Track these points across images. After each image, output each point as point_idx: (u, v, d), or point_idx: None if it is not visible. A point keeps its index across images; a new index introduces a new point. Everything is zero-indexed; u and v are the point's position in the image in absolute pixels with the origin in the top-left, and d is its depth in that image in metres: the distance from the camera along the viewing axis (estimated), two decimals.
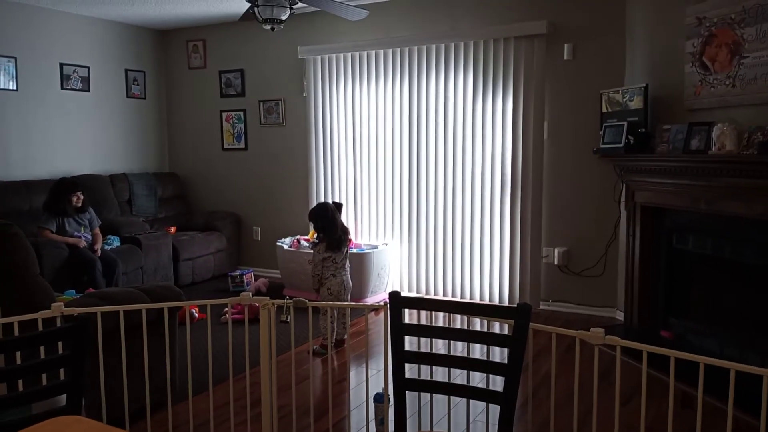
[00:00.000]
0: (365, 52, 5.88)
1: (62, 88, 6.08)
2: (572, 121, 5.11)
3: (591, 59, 5.00)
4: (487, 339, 2.27)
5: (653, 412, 3.24)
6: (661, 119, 4.32)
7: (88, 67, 6.30)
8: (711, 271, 4.18)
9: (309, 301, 2.59)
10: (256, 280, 6.04)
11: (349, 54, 5.97)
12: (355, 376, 3.84)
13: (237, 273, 6.00)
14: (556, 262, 5.26)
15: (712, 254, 4.07)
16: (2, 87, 5.54)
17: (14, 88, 5.65)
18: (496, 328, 4.08)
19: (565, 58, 5.07)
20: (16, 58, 5.63)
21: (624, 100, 4.53)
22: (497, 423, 1.93)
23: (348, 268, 4.47)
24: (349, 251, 5.36)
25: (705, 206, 3.90)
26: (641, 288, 4.56)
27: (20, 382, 2.06)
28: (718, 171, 3.70)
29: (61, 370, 1.83)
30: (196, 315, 4.74)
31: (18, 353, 2.10)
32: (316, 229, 4.46)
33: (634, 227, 4.62)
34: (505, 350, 1.90)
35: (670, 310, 4.42)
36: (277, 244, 5.92)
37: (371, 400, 3.05)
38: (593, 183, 5.06)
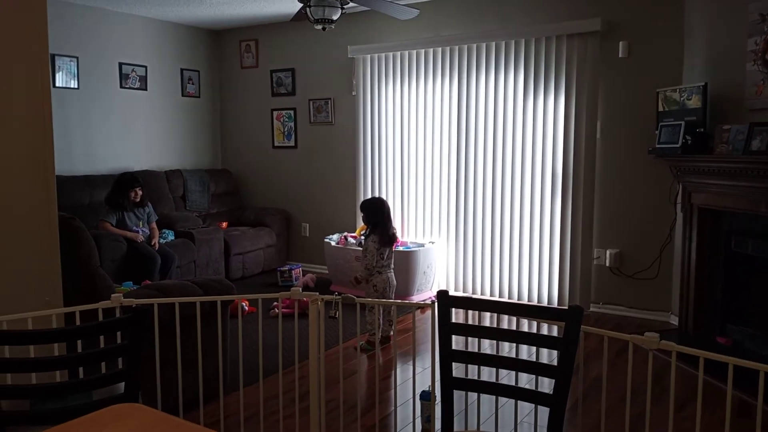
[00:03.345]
0: (415, 51, 5.88)
1: (121, 86, 6.29)
2: (626, 120, 4.99)
3: (647, 57, 4.88)
4: (538, 340, 2.25)
5: (708, 420, 3.14)
6: (721, 119, 4.17)
7: (146, 67, 6.50)
8: None
9: (357, 297, 2.62)
10: (304, 275, 6.12)
11: (399, 53, 5.98)
12: (401, 373, 3.85)
13: (286, 268, 6.09)
14: (607, 264, 5.15)
15: None
16: (65, 85, 5.76)
17: (76, 86, 5.87)
18: (544, 329, 4.02)
19: (620, 55, 4.95)
20: (77, 58, 5.85)
21: (681, 99, 4.40)
22: (545, 425, 1.91)
23: (392, 266, 4.47)
24: (396, 248, 5.38)
25: (766, 209, 3.76)
26: (697, 292, 4.42)
27: (80, 369, 2.15)
28: None
29: (119, 359, 1.90)
30: (246, 308, 4.84)
31: (79, 342, 2.19)
32: (367, 221, 4.45)
33: (690, 230, 4.48)
34: (553, 352, 1.88)
35: (728, 315, 4.27)
36: (325, 240, 5.99)
37: (417, 397, 3.06)
38: (648, 184, 4.93)
